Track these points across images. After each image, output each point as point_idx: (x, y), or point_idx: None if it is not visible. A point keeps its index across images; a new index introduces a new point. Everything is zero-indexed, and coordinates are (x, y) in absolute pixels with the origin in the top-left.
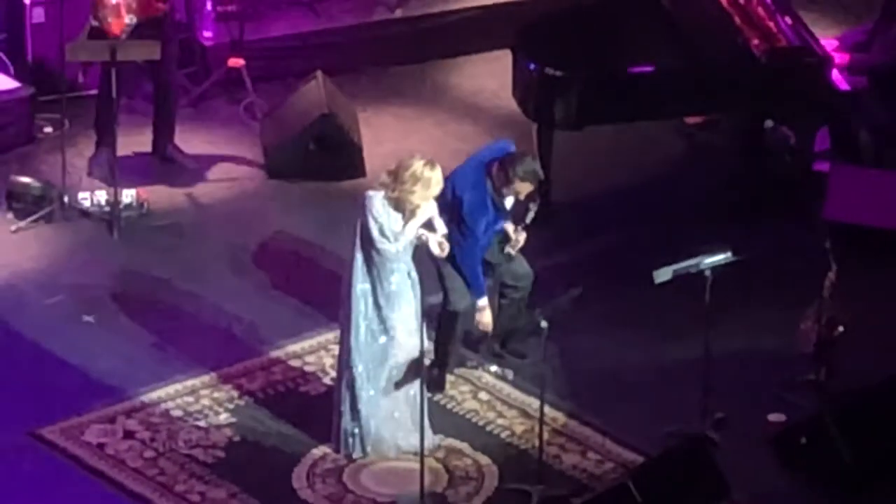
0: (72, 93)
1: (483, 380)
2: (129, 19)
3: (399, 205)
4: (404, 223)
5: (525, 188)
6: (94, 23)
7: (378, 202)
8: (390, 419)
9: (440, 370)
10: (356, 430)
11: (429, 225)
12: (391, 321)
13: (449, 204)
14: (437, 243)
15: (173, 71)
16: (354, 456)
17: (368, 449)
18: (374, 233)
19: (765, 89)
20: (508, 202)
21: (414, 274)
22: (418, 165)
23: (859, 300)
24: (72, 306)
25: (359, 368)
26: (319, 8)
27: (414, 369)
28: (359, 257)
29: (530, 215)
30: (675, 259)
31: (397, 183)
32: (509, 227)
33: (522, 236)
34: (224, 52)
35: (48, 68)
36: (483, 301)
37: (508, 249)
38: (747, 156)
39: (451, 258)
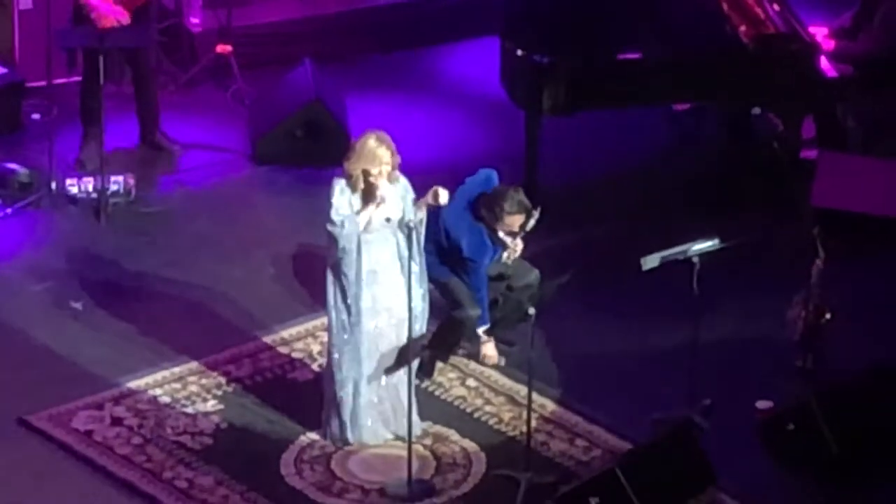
0: (59, 79)
1: (470, 367)
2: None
3: (345, 176)
4: (360, 208)
5: (516, 221)
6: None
7: (338, 185)
8: (372, 406)
9: (431, 360)
10: (339, 417)
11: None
12: (357, 309)
13: (444, 245)
14: (433, 194)
15: (152, 58)
16: (339, 443)
17: (350, 436)
18: (327, 214)
19: (753, 76)
20: (503, 234)
21: (408, 261)
22: (363, 135)
23: (847, 286)
24: (59, 293)
25: (336, 356)
26: None
27: (401, 358)
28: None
29: (530, 223)
30: (662, 246)
31: None
32: (507, 238)
33: (520, 245)
34: (212, 38)
35: (36, 55)
36: (486, 329)
37: (505, 259)
38: (735, 143)
39: (453, 271)
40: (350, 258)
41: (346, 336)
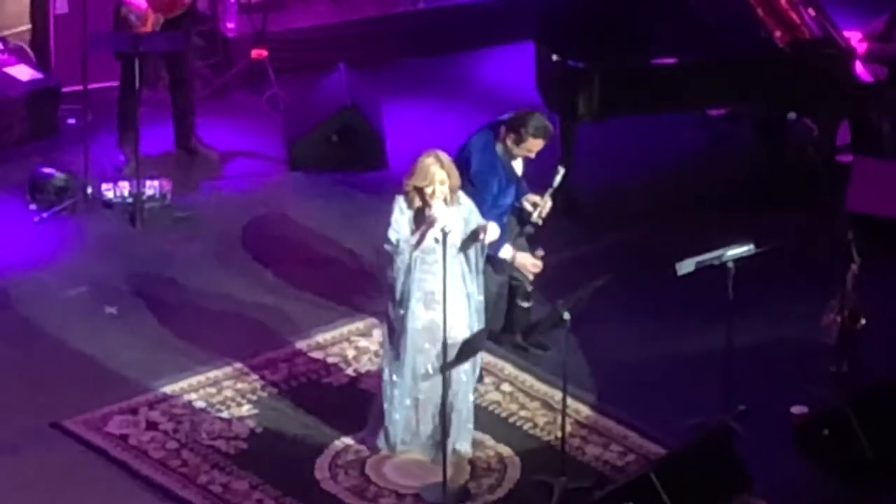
0: (95, 84)
1: (505, 371)
2: (154, 20)
3: (406, 196)
4: (413, 227)
5: (537, 145)
6: (119, 27)
7: (398, 204)
8: (418, 424)
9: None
10: (383, 428)
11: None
12: (408, 328)
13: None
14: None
15: (191, 63)
16: (384, 449)
17: (396, 447)
18: (384, 233)
19: (787, 81)
20: (517, 165)
21: (443, 268)
22: (423, 153)
23: (882, 292)
24: (94, 297)
25: (386, 370)
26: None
27: (460, 354)
28: None
29: (557, 179)
30: (697, 251)
31: None
32: (533, 196)
33: (549, 203)
34: (247, 43)
35: (71, 59)
36: (506, 251)
37: (536, 218)
38: (770, 148)
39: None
40: (402, 278)
41: (396, 353)
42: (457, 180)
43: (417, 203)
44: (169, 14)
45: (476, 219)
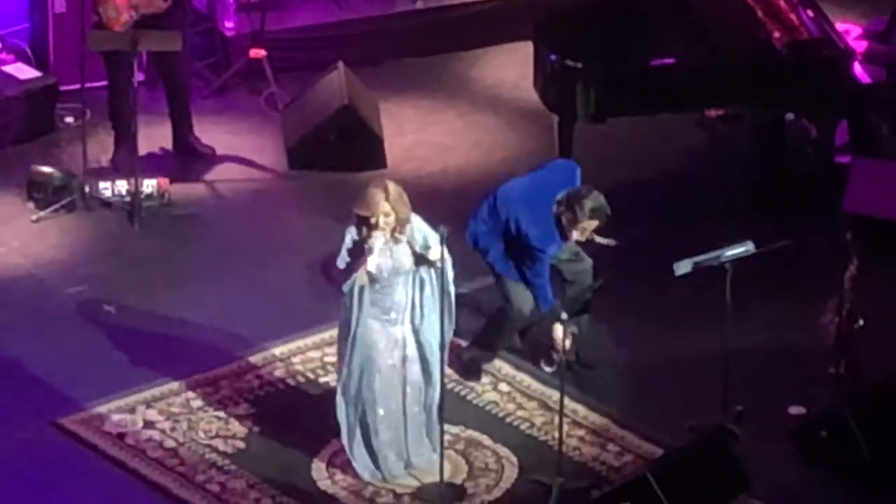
0: (93, 83)
1: (503, 371)
2: (128, 16)
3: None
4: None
5: (592, 225)
6: (95, 17)
7: (348, 233)
8: (395, 442)
9: (476, 361)
10: (363, 455)
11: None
12: (365, 345)
13: (503, 227)
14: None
15: (185, 62)
16: (373, 477)
17: (379, 473)
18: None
19: (786, 82)
20: (575, 233)
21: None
22: (373, 183)
23: (880, 293)
24: (92, 296)
25: (350, 393)
26: None
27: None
28: None
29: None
30: (695, 251)
31: None
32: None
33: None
34: (245, 42)
35: (69, 58)
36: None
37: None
38: (768, 149)
39: (518, 269)
40: (351, 302)
41: (355, 378)
42: (405, 214)
43: (364, 233)
44: (144, 11)
45: (434, 252)
